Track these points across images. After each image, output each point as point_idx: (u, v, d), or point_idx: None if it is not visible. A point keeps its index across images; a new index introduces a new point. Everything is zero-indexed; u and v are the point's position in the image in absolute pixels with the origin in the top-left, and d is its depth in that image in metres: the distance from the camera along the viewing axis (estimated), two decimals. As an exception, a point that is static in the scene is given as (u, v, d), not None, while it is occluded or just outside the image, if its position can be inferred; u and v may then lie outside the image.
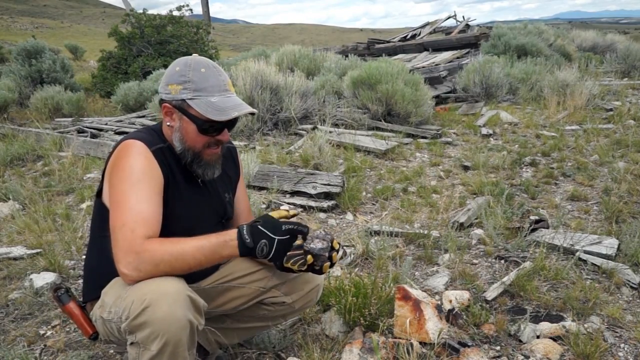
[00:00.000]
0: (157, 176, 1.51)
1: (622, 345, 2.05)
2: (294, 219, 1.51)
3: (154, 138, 1.58)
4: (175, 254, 1.39)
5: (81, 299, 1.71)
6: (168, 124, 1.59)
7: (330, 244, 1.51)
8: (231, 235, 1.43)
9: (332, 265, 1.56)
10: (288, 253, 1.49)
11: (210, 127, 1.55)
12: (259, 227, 1.43)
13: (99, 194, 1.62)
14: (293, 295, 1.81)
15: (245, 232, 1.42)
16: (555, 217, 3.34)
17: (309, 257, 1.49)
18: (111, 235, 1.43)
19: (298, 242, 1.51)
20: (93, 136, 6.20)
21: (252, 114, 1.60)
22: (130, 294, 1.38)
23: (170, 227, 1.50)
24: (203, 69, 1.54)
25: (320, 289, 1.89)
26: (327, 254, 1.51)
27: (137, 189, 1.45)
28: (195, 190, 1.65)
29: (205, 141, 1.58)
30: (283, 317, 1.90)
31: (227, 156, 1.82)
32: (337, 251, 1.56)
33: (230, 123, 1.59)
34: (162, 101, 1.58)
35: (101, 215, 1.59)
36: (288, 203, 3.71)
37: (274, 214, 1.49)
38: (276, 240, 1.42)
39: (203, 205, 1.67)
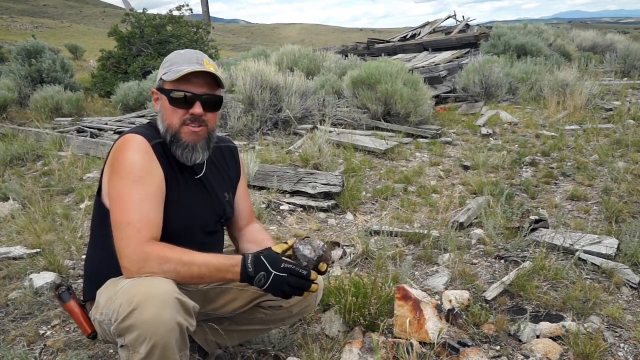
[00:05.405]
0: (157, 172, 1.51)
1: (622, 345, 2.05)
2: (301, 244, 1.50)
3: (154, 133, 1.58)
4: (183, 262, 1.40)
5: (82, 298, 1.70)
6: (156, 110, 1.62)
7: (316, 261, 1.50)
8: (236, 260, 1.45)
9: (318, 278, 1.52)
10: (286, 266, 1.49)
11: (178, 98, 1.54)
12: (261, 257, 1.45)
13: (99, 192, 1.61)
14: (290, 300, 1.77)
15: (249, 261, 1.44)
16: (555, 217, 3.34)
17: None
18: (114, 231, 1.43)
19: (289, 252, 1.52)
20: (93, 136, 6.20)
21: (218, 81, 1.56)
22: (120, 296, 1.37)
23: (168, 224, 1.50)
24: (183, 52, 1.62)
25: (319, 294, 1.87)
26: (308, 265, 1.50)
27: (139, 186, 1.45)
28: (193, 188, 1.64)
29: (180, 116, 1.55)
30: (282, 322, 1.88)
31: (228, 155, 1.81)
32: (324, 273, 1.54)
33: (207, 100, 1.56)
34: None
35: (101, 215, 1.59)
36: (288, 203, 3.71)
37: (277, 248, 1.50)
38: (273, 275, 1.43)
39: (201, 203, 1.66)
